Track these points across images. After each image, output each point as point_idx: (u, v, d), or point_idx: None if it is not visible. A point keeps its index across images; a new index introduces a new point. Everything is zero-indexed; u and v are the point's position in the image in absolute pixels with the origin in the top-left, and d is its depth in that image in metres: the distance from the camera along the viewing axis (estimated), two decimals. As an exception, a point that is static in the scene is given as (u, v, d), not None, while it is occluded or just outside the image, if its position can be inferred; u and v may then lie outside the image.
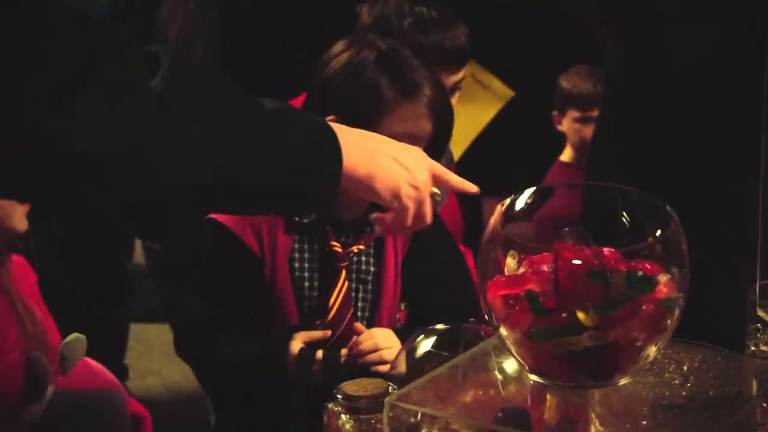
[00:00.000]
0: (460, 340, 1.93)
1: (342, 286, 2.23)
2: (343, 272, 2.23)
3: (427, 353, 1.95)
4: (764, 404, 1.54)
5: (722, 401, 1.51)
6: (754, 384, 1.55)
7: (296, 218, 2.22)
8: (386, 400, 1.45)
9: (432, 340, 1.97)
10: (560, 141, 3.61)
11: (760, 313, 1.80)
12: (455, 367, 1.57)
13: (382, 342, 2.18)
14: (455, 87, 2.57)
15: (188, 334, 2.30)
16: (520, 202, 1.48)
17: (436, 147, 2.21)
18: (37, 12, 1.09)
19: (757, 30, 1.96)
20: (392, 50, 2.25)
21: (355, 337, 2.22)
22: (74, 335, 1.91)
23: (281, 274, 2.22)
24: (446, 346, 1.94)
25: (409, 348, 2.01)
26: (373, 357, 2.18)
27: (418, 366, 1.98)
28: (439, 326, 2.00)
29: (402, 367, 1.98)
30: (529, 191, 1.48)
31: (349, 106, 2.18)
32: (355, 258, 2.26)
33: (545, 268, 1.37)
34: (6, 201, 1.78)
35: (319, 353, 2.16)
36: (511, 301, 1.39)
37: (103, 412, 1.91)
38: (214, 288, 2.25)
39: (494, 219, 1.44)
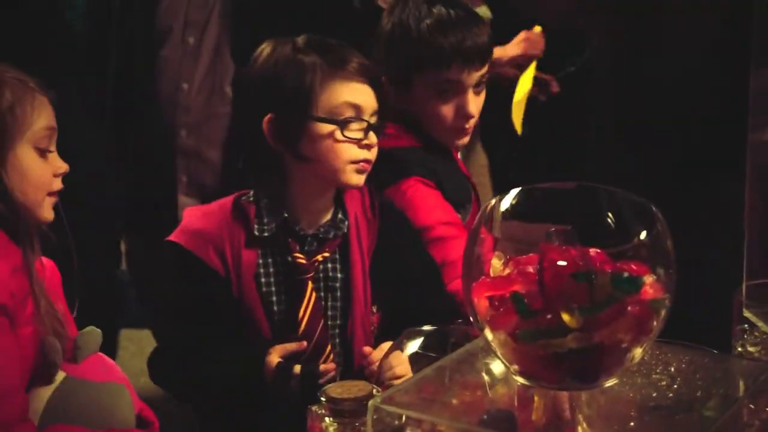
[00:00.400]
0: (447, 342, 1.92)
1: (310, 297, 2.19)
2: (310, 283, 2.19)
3: (414, 354, 1.95)
4: (751, 405, 1.54)
5: (710, 402, 1.50)
6: (742, 385, 1.55)
7: (256, 233, 2.20)
8: (370, 402, 1.44)
9: (419, 341, 1.96)
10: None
11: (747, 314, 1.79)
12: (441, 368, 1.56)
13: (399, 370, 2.06)
14: (480, 82, 2.54)
15: (161, 357, 2.26)
16: (506, 203, 1.47)
17: (382, 118, 2.20)
18: None
19: (743, 32, 1.95)
20: (308, 38, 2.22)
21: (369, 365, 2.16)
22: (90, 327, 1.95)
23: (248, 291, 2.18)
24: (434, 347, 1.93)
25: (396, 349, 2.00)
26: (389, 375, 2.10)
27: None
28: (427, 327, 2.00)
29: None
30: (514, 191, 1.47)
31: (281, 100, 2.15)
32: (321, 267, 2.23)
33: (531, 269, 1.37)
34: (36, 191, 1.87)
35: (297, 368, 2.12)
36: (497, 303, 1.38)
37: (110, 405, 1.93)
38: (182, 310, 2.21)
39: (479, 219, 1.43)
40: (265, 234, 2.19)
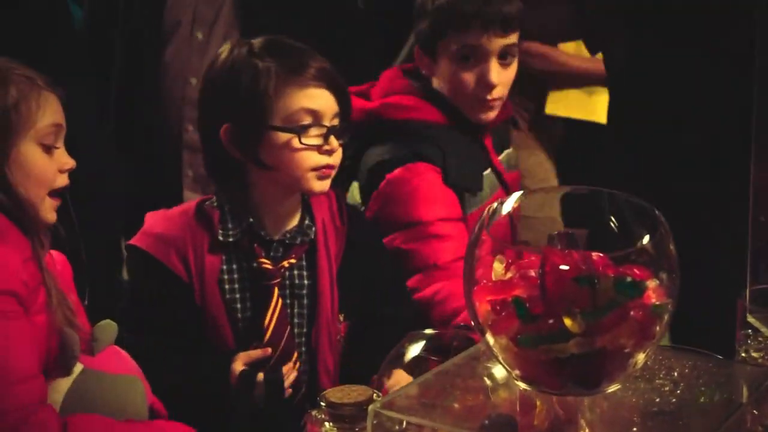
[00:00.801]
0: (449, 345, 1.91)
1: (276, 304, 2.15)
2: (276, 290, 2.16)
3: (416, 358, 1.94)
4: (755, 411, 1.53)
5: (713, 408, 1.49)
6: (745, 390, 1.54)
7: (221, 238, 2.18)
8: (370, 407, 1.42)
9: (420, 344, 1.95)
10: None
11: (751, 319, 1.78)
12: (442, 373, 1.55)
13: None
14: (506, 52, 2.46)
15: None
16: (507, 206, 1.46)
17: (345, 124, 2.17)
18: None
19: (746, 32, 1.94)
20: (266, 41, 2.17)
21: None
22: (107, 321, 1.97)
23: (211, 298, 2.14)
24: (435, 351, 1.92)
25: (398, 353, 1.99)
26: None
27: (407, 371, 1.97)
28: (428, 331, 1.99)
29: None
30: (515, 195, 1.46)
31: (237, 104, 2.12)
32: (287, 273, 2.19)
33: (532, 273, 1.35)
34: (38, 187, 1.88)
35: (260, 375, 2.08)
36: (498, 307, 1.37)
37: (125, 397, 1.94)
38: (143, 316, 2.16)
39: (480, 222, 1.42)
40: (230, 239, 2.15)
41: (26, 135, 1.88)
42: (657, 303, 1.37)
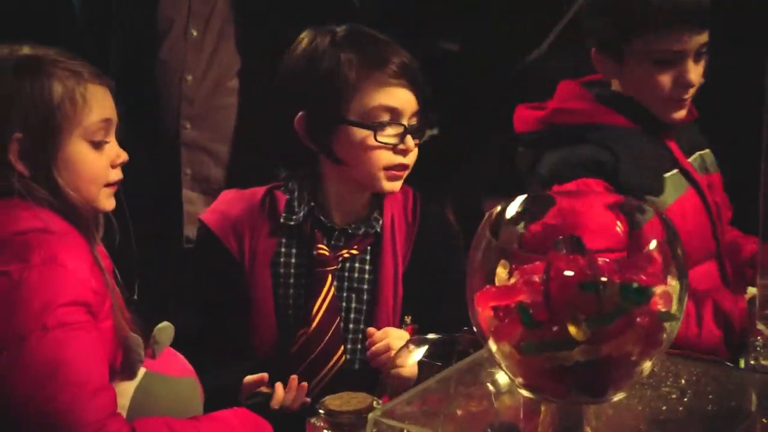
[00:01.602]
0: (453, 350, 1.88)
1: (328, 292, 2.13)
2: (329, 277, 2.14)
3: (419, 363, 1.91)
4: (764, 420, 1.50)
5: (721, 416, 1.47)
6: (754, 399, 1.52)
7: (282, 221, 2.17)
8: (370, 416, 1.40)
9: (424, 349, 1.92)
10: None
11: (761, 326, 1.76)
12: (445, 380, 1.53)
13: (396, 343, 2.04)
14: (699, 52, 2.27)
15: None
16: (512, 209, 1.43)
17: (423, 120, 2.13)
18: None
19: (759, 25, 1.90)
20: (349, 31, 2.15)
21: (369, 338, 2.10)
22: (165, 323, 1.95)
23: (261, 280, 2.14)
24: (439, 356, 1.90)
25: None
26: (384, 358, 2.07)
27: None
28: (431, 336, 1.96)
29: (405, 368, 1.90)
30: (520, 198, 1.44)
31: (315, 95, 2.10)
32: (347, 264, 2.18)
33: (536, 278, 1.33)
34: (90, 185, 1.85)
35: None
36: (501, 313, 1.34)
37: (186, 399, 1.94)
38: (192, 287, 2.20)
39: (483, 226, 1.40)
40: (291, 223, 2.16)
41: (73, 134, 1.82)
42: (664, 310, 1.34)
